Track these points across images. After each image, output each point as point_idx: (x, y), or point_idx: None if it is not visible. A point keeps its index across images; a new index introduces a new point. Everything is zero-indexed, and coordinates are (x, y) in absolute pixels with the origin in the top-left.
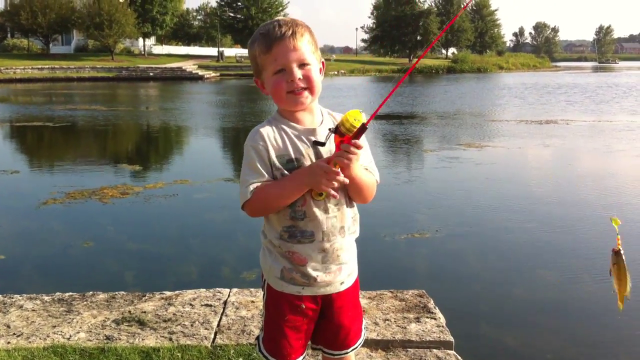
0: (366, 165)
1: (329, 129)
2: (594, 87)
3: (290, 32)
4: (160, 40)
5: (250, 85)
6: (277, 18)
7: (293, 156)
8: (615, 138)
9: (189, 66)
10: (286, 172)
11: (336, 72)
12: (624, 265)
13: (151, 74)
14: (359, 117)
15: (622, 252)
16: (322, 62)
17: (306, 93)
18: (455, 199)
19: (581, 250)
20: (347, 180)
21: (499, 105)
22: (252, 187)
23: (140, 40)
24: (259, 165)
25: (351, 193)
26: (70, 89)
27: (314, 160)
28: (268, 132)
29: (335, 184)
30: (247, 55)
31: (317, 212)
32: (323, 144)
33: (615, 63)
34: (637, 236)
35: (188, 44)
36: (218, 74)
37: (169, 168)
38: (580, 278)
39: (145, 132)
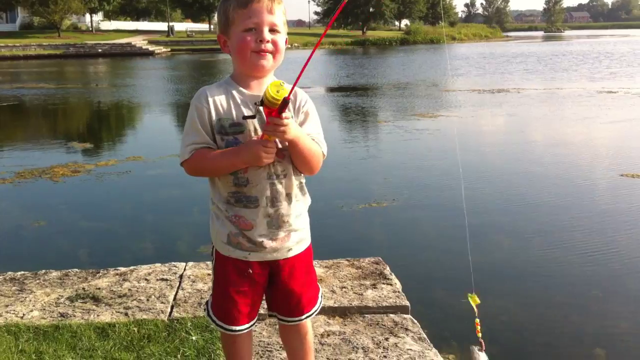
0: (313, 136)
1: (255, 103)
2: (544, 56)
3: None
4: (108, 16)
5: (203, 60)
6: None
7: (236, 120)
8: (567, 105)
9: (139, 42)
10: (228, 137)
11: (289, 46)
12: None
13: (100, 50)
14: (280, 89)
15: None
16: (286, 39)
17: (269, 57)
18: (410, 168)
19: (533, 215)
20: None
21: (452, 76)
22: (190, 148)
23: (88, 16)
24: (199, 126)
25: (294, 161)
26: (16, 68)
27: (256, 126)
28: (214, 94)
29: (274, 155)
30: (198, 30)
31: (260, 178)
32: (253, 117)
33: (561, 32)
34: (588, 199)
35: (137, 19)
36: (169, 49)
37: (121, 145)
38: (531, 242)
39: (95, 109)
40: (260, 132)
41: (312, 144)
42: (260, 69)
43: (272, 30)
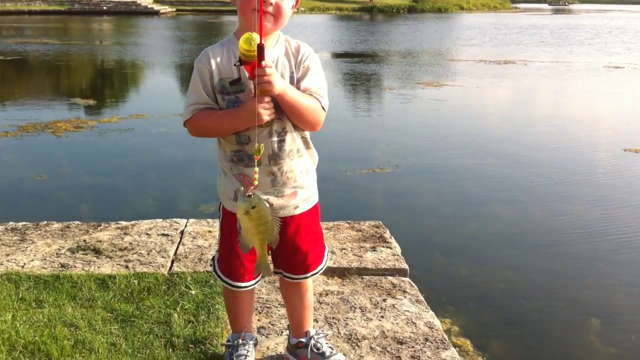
0: (313, 90)
1: (234, 64)
2: (553, 29)
3: None
4: None
5: (208, 21)
6: None
7: (237, 76)
8: (570, 78)
9: (144, 1)
10: (229, 96)
11: (296, 10)
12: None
13: (104, 7)
14: (252, 39)
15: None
16: (296, 2)
17: (270, 18)
18: (414, 136)
19: (534, 186)
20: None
21: (458, 45)
22: (191, 109)
23: None
24: (200, 87)
25: (289, 117)
26: (20, 23)
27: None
28: (216, 53)
29: (272, 110)
30: None
31: (262, 135)
32: (238, 80)
33: (566, 5)
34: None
35: None
36: (174, 9)
37: (124, 103)
38: (532, 211)
39: (99, 67)
40: None
41: (303, 97)
42: (264, 29)
43: None
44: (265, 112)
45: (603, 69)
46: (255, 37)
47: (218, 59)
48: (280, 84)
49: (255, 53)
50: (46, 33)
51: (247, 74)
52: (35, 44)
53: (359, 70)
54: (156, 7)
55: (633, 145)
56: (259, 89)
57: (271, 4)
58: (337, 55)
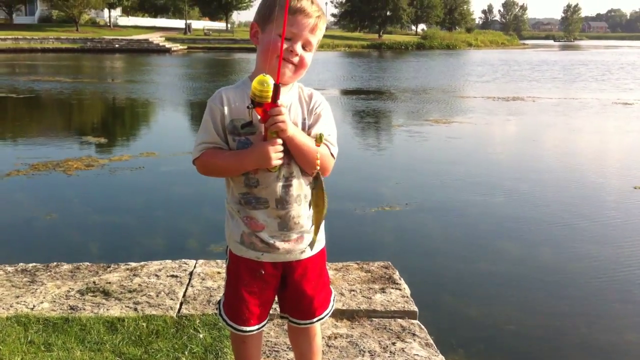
0: (324, 136)
1: (247, 107)
2: (561, 65)
3: (318, 14)
4: (126, 12)
5: (218, 58)
6: None
7: (249, 119)
8: (579, 115)
9: (156, 38)
10: (240, 137)
11: None
12: (322, 191)
13: (117, 45)
14: (265, 80)
15: (321, 177)
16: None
17: (292, 67)
18: (423, 173)
19: (543, 225)
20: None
21: (467, 82)
22: (200, 147)
23: (106, 11)
24: (211, 127)
25: (299, 162)
26: (34, 60)
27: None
28: (229, 95)
29: (282, 154)
30: (215, 28)
31: (270, 179)
32: (250, 123)
33: (572, 41)
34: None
35: (155, 16)
36: (185, 47)
37: (135, 141)
38: (541, 251)
39: (110, 104)
40: None
41: (313, 143)
42: (283, 77)
43: (305, 45)
44: (276, 155)
45: (612, 105)
46: (269, 78)
47: (231, 100)
48: (292, 127)
49: (268, 94)
50: (59, 71)
51: (258, 117)
52: (48, 81)
53: (369, 107)
54: (167, 44)
55: None
56: (272, 130)
57: (297, 54)
58: (347, 92)
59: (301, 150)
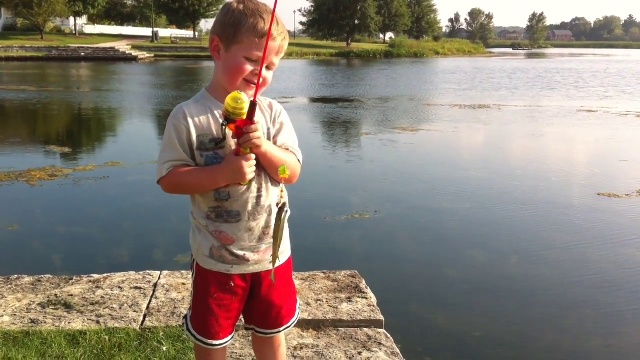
0: (289, 145)
1: (222, 125)
2: (528, 73)
3: (283, 36)
4: (92, 20)
5: (186, 66)
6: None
7: (216, 135)
8: (544, 123)
9: (122, 46)
10: (207, 152)
11: None
12: (283, 224)
13: (83, 54)
14: (239, 97)
15: (286, 209)
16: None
17: (254, 88)
18: (390, 181)
19: (510, 231)
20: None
21: (434, 90)
22: (167, 165)
23: (72, 19)
24: (177, 144)
25: (270, 173)
26: None
27: (236, 140)
28: (192, 110)
29: (254, 169)
30: (182, 36)
31: (241, 192)
32: (223, 139)
33: (530, 49)
34: (552, 211)
35: (121, 24)
36: (152, 55)
37: (100, 150)
38: (508, 258)
39: (76, 113)
40: None
41: (283, 154)
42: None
43: (269, 67)
44: (250, 170)
45: (576, 112)
46: (243, 95)
47: (195, 116)
48: (265, 142)
49: (243, 111)
50: (24, 80)
51: (230, 132)
52: (13, 90)
53: (336, 115)
54: (134, 53)
55: (606, 190)
56: (247, 146)
57: (262, 77)
58: (315, 100)
59: (274, 163)
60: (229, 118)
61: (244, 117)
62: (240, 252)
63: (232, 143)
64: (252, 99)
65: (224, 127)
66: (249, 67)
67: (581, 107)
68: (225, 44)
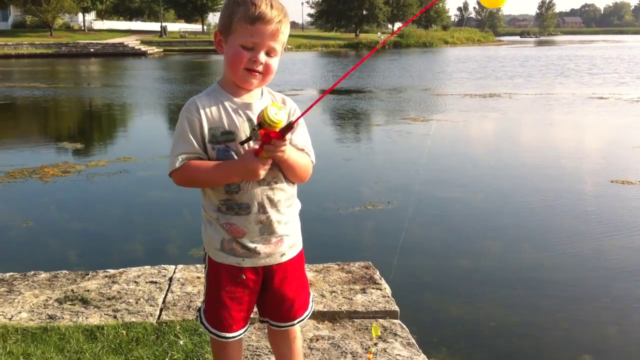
0: (302, 145)
1: (253, 128)
2: (539, 61)
3: (278, 19)
4: (101, 15)
5: (195, 61)
6: None
7: (227, 129)
8: (556, 110)
9: (131, 42)
10: (219, 145)
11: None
12: None
13: (92, 50)
14: (278, 112)
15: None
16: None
17: (259, 76)
18: (402, 172)
19: (523, 221)
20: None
21: (448, 80)
22: (180, 158)
23: (80, 15)
24: (190, 136)
25: (285, 173)
26: (8, 67)
27: (247, 134)
28: (204, 103)
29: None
30: (191, 30)
31: (252, 185)
32: (249, 139)
33: (537, 37)
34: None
35: (130, 19)
36: (161, 50)
37: (112, 146)
38: (521, 248)
39: (87, 109)
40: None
41: (301, 158)
42: (249, 85)
43: (269, 52)
44: (265, 172)
45: (587, 100)
46: (282, 110)
47: (207, 109)
48: (290, 150)
49: (278, 126)
50: (34, 77)
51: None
52: (23, 88)
53: (346, 106)
54: (143, 47)
55: (619, 177)
56: (269, 154)
57: (261, 63)
58: (323, 92)
59: (290, 166)
60: (262, 125)
61: (277, 130)
62: (251, 245)
63: (242, 136)
64: (293, 122)
65: (255, 130)
66: (246, 55)
67: (593, 94)
68: (225, 36)
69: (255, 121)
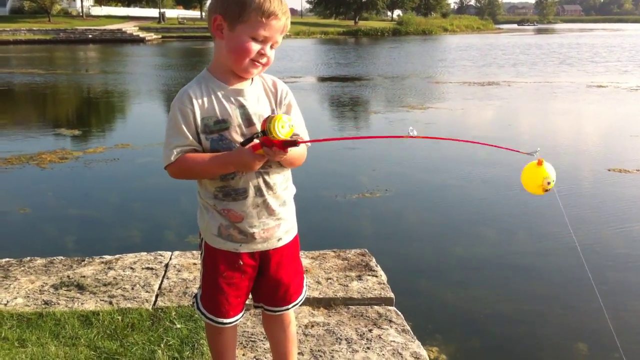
0: (297, 129)
1: (257, 134)
2: (538, 48)
3: (287, 14)
4: (99, 1)
5: (194, 47)
6: None
7: (220, 117)
8: (553, 98)
9: (130, 28)
10: (212, 135)
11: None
12: None
13: (90, 36)
14: (284, 125)
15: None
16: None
17: (261, 67)
18: (400, 160)
19: (518, 209)
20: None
21: (450, 67)
22: (175, 151)
23: (78, 1)
24: (184, 129)
25: (282, 163)
26: (6, 53)
27: (240, 121)
28: (196, 93)
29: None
30: (189, 17)
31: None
32: (251, 139)
33: (534, 25)
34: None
35: (128, 5)
36: (160, 36)
37: (110, 132)
38: (516, 235)
39: (85, 96)
40: (242, 125)
41: (297, 150)
42: (249, 75)
43: (272, 45)
44: (259, 165)
45: (586, 88)
46: (288, 124)
47: (199, 99)
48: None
49: (280, 136)
50: (32, 63)
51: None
52: (21, 74)
53: (344, 94)
54: (142, 34)
55: (616, 165)
56: (266, 154)
57: (267, 56)
58: (323, 79)
59: (288, 162)
60: (266, 133)
61: (280, 141)
62: (250, 230)
63: (235, 124)
64: (299, 141)
65: (258, 136)
66: (255, 47)
67: (591, 83)
68: (230, 22)
69: (254, 119)
